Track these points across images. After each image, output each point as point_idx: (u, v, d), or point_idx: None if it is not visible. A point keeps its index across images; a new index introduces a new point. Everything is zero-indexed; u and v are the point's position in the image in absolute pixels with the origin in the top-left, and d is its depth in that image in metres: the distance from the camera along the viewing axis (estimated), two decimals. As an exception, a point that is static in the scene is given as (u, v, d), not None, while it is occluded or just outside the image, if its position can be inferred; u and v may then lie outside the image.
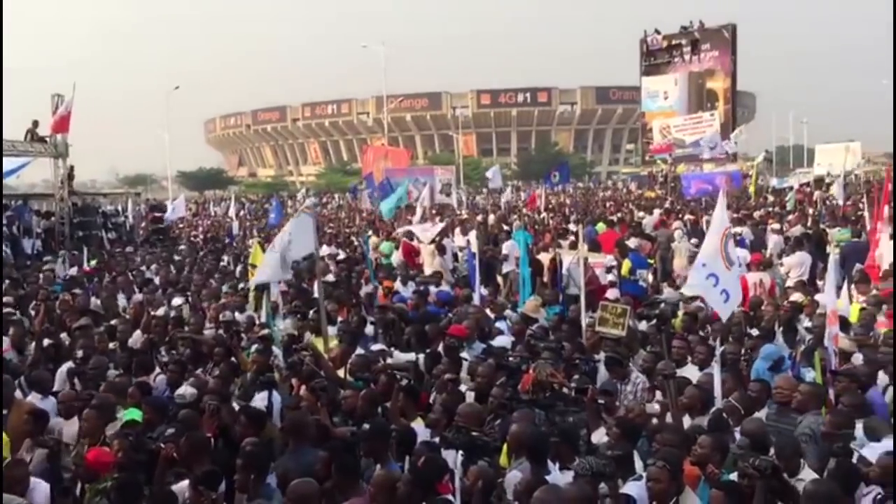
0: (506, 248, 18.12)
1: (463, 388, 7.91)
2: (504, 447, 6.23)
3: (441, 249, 17.99)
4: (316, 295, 11.33)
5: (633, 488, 5.48)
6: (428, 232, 18.93)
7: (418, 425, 7.03)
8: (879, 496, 5.06)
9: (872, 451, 5.56)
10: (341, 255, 19.93)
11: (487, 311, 11.84)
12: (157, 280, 17.17)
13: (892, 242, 13.33)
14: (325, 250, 20.13)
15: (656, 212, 26.52)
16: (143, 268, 19.83)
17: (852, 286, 12.08)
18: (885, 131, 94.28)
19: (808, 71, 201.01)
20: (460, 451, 5.62)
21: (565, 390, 7.27)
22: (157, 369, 9.18)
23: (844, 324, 9.71)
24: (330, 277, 15.24)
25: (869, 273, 12.34)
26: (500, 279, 16.72)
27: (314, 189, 71.23)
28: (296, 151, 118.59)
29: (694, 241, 17.69)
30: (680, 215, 24.54)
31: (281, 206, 30.30)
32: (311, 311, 11.45)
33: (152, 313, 11.93)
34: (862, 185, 35.10)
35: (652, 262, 16.89)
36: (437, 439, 6.34)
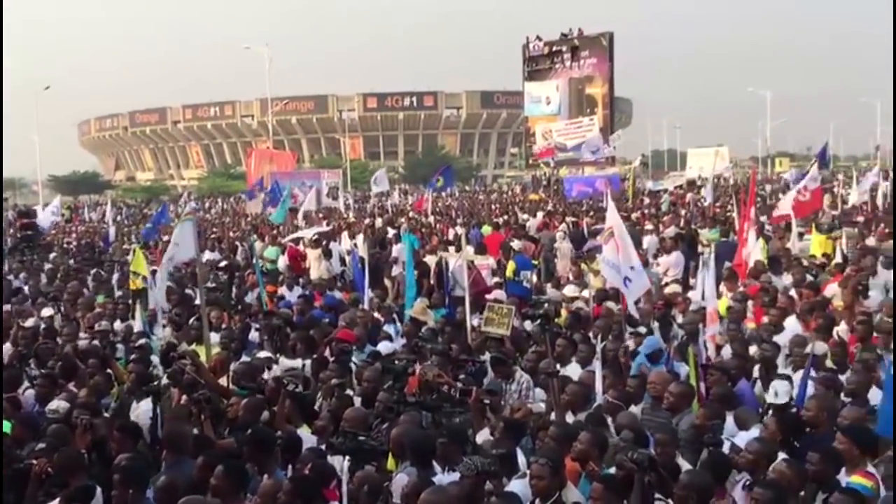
0: (395, 251, 18.13)
1: (350, 393, 7.88)
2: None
3: (327, 253, 17.84)
4: (198, 302, 11.03)
5: (517, 486, 5.59)
6: (310, 234, 18.76)
7: (305, 432, 6.96)
8: (748, 482, 5.34)
9: (742, 441, 5.86)
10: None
11: (376, 314, 11.84)
12: (26, 289, 16.32)
13: (761, 241, 14.13)
14: (207, 256, 19.64)
15: (539, 214, 27.10)
16: (11, 277, 18.79)
17: (721, 283, 12.71)
18: (749, 137, 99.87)
19: (682, 80, 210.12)
20: (347, 457, 5.59)
21: (453, 391, 7.35)
22: (26, 383, 8.72)
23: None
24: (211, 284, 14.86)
25: (737, 271, 12.99)
26: (387, 283, 16.71)
27: (196, 193, 69.25)
28: (176, 154, 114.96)
29: (567, 244, 18.11)
30: (563, 217, 25.16)
31: (166, 210, 29.29)
32: (193, 319, 11.14)
33: (21, 324, 11.37)
34: (730, 187, 36.90)
35: (536, 263, 17.25)
36: (323, 446, 6.29)
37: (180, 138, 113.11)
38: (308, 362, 9.04)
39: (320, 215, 30.22)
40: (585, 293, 12.19)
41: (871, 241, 16.14)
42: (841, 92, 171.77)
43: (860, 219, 21.01)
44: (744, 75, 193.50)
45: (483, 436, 6.84)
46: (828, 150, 25.79)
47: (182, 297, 13.71)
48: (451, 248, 17.66)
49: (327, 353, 9.41)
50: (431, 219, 28.29)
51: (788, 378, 7.63)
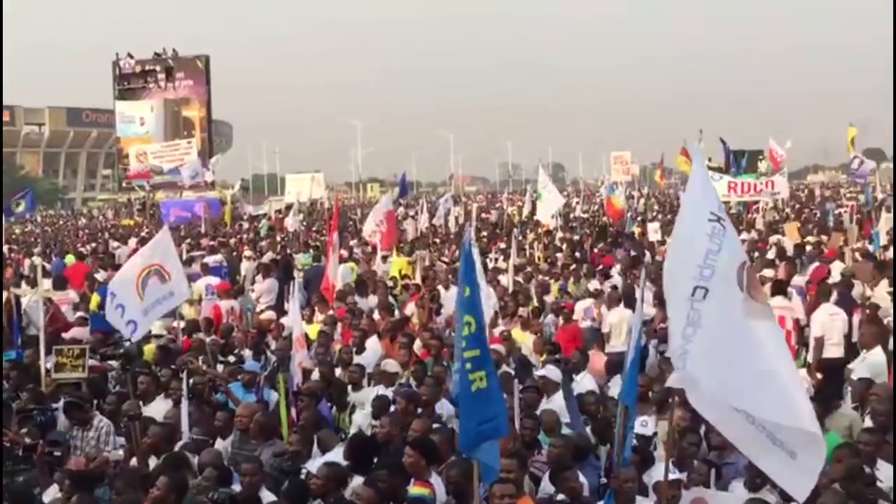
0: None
1: None
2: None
3: None
4: None
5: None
6: None
7: None
8: None
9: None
10: None
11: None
12: None
13: (344, 265, 14.85)
14: None
15: (132, 241, 25.69)
16: None
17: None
18: (344, 163, 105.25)
19: (282, 105, 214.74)
20: None
21: (15, 448, 6.61)
22: None
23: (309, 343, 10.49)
24: None
25: (325, 294, 13.50)
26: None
27: None
28: None
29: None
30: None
31: None
32: None
33: None
34: (326, 212, 38.38)
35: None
36: None
37: None
38: None
39: None
40: (175, 324, 11.76)
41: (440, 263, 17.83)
42: (421, 124, 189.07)
43: (437, 241, 23.23)
44: (339, 104, 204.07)
45: (52, 493, 6.24)
46: (406, 178, 28.14)
47: None
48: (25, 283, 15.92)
49: None
50: (6, 248, 25.30)
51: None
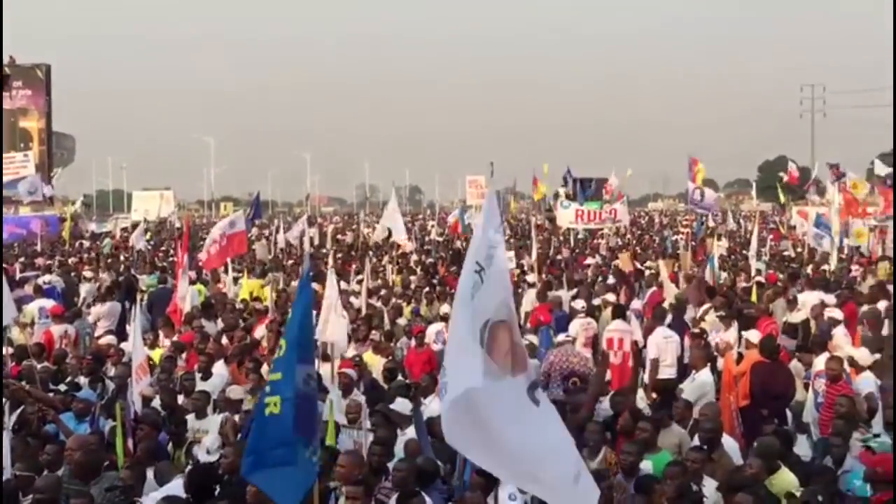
0: None
1: None
2: None
3: None
4: None
5: None
6: None
7: None
8: None
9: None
10: None
11: None
12: None
13: (192, 287, 14.34)
14: None
15: (-42, 260, 23.83)
16: None
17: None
18: (196, 181, 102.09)
19: (129, 118, 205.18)
20: None
21: None
22: None
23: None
24: None
25: (172, 318, 13.01)
26: None
27: None
28: None
29: None
30: None
31: None
32: None
33: None
34: (176, 231, 37.02)
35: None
36: None
37: None
38: None
39: None
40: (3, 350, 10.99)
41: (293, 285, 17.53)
42: (278, 142, 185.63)
43: (291, 262, 22.86)
44: (190, 119, 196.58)
45: None
46: (259, 198, 27.63)
47: None
48: None
49: None
50: None
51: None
